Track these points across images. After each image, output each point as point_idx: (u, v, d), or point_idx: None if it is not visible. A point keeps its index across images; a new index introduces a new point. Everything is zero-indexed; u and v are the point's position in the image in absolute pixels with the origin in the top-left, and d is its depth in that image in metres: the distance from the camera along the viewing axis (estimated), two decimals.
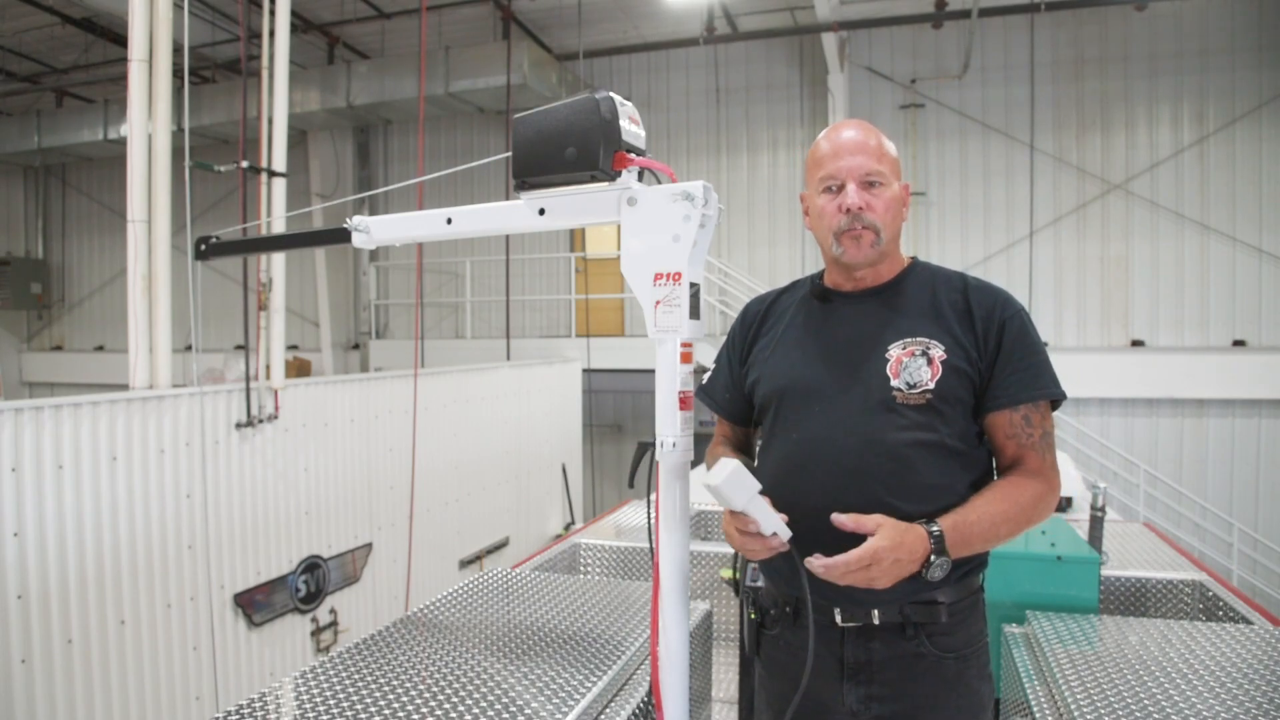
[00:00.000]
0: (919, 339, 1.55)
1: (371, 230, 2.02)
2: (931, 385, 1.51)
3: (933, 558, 1.40)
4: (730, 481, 1.41)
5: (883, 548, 1.38)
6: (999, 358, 1.53)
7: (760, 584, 1.78)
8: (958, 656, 1.54)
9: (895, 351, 1.55)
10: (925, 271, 1.66)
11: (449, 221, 1.90)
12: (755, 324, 1.78)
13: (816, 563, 1.40)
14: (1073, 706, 1.75)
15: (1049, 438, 1.55)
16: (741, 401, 1.78)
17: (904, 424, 1.51)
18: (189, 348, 4.89)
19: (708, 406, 1.86)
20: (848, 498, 1.49)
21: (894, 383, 1.52)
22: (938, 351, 1.53)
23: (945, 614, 1.52)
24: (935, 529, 1.42)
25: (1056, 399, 1.56)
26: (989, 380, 1.54)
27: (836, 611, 1.53)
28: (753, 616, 1.72)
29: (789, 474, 1.59)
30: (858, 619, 1.52)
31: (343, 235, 2.04)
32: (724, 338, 1.87)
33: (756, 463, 1.75)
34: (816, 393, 1.59)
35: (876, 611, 1.51)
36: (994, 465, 1.62)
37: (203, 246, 2.36)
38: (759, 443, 1.77)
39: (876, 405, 1.53)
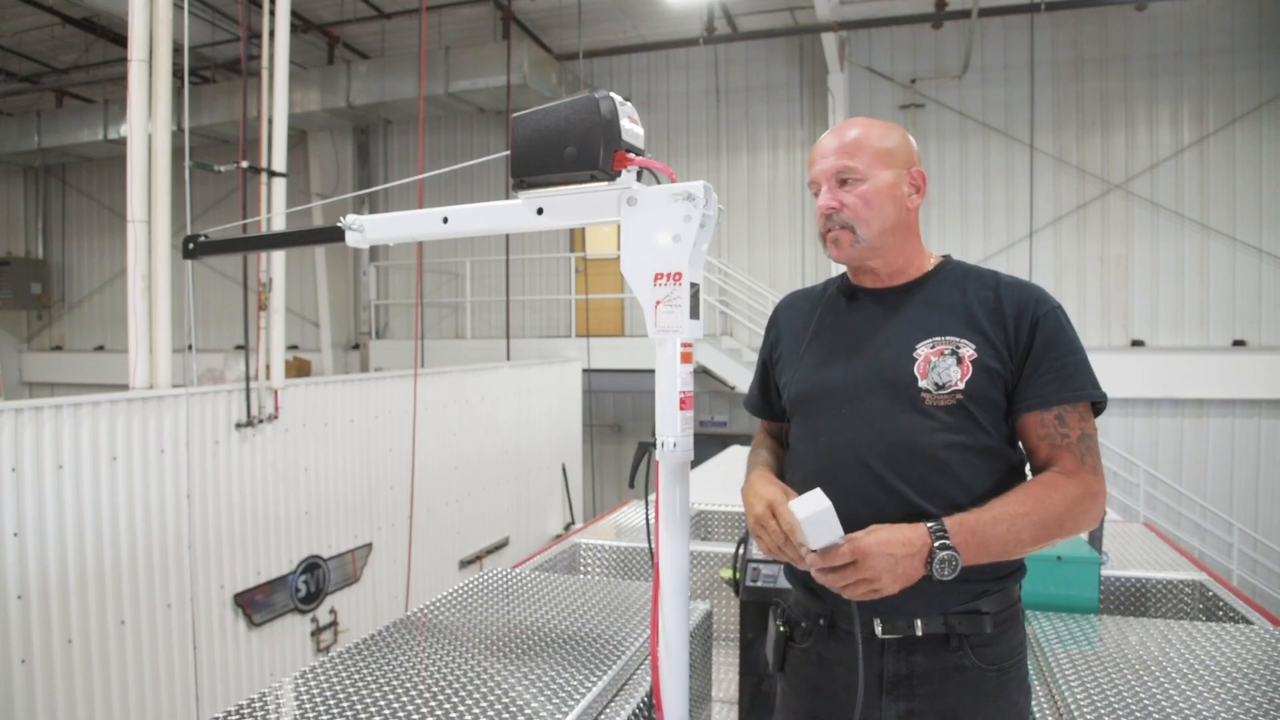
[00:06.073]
0: (948, 338, 1.48)
1: (366, 229, 2.00)
2: (961, 385, 1.45)
3: (937, 551, 1.31)
4: (813, 520, 1.33)
5: (867, 544, 1.32)
6: (1030, 357, 1.46)
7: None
8: (999, 669, 1.47)
9: (924, 351, 1.48)
10: (957, 269, 1.59)
11: (445, 221, 1.89)
12: (777, 324, 1.74)
13: (801, 567, 1.37)
14: (1073, 706, 1.75)
15: (1089, 440, 1.45)
16: (777, 402, 1.72)
17: (935, 426, 1.45)
18: (189, 347, 4.89)
19: (752, 414, 1.81)
20: (879, 503, 1.44)
21: (922, 383, 1.46)
22: (968, 350, 1.46)
23: (990, 624, 1.45)
24: (935, 523, 1.35)
25: (1094, 401, 1.47)
26: (1020, 380, 1.46)
27: (877, 623, 1.46)
28: (781, 629, 1.64)
29: (818, 480, 1.50)
30: (899, 631, 1.45)
31: (336, 234, 2.02)
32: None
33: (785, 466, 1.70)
34: (842, 395, 1.53)
35: (920, 622, 1.44)
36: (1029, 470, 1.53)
37: (190, 245, 2.34)
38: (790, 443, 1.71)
39: (905, 407, 1.47)
